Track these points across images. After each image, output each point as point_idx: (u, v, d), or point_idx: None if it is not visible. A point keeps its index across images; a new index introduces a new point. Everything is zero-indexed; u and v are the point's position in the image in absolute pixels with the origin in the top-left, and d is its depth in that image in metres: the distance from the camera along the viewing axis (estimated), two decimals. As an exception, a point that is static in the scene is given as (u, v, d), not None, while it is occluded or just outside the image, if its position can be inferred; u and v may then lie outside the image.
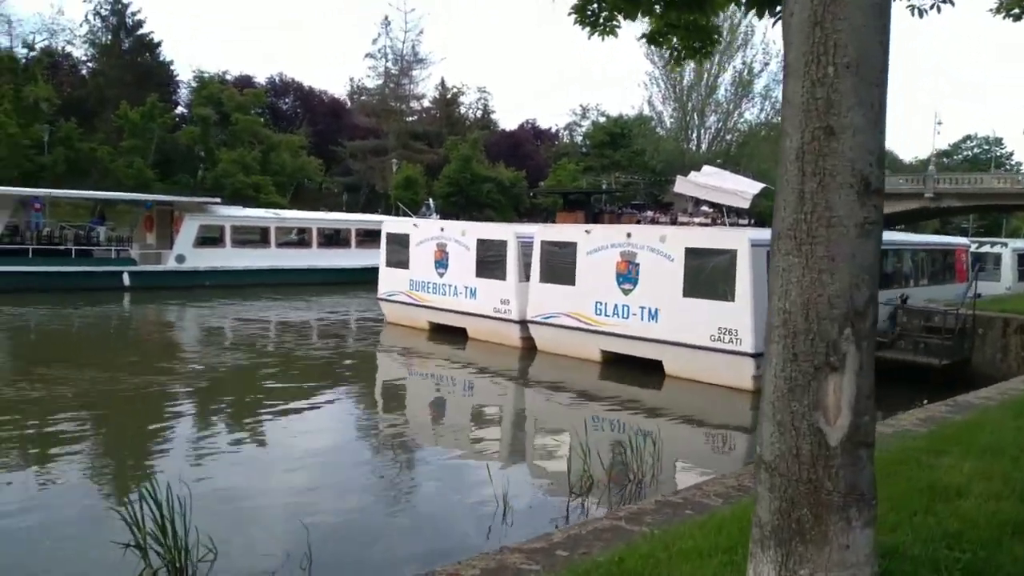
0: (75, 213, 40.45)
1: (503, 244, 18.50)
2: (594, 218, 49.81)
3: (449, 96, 70.49)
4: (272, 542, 7.15)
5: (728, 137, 69.54)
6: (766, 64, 67.02)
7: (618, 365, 16.41)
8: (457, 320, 19.68)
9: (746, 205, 37.24)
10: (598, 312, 16.52)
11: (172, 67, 56.67)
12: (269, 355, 17.80)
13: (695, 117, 69.45)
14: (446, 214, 49.76)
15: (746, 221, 59.97)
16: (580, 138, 76.50)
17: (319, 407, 13.24)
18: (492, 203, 52.16)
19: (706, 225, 47.20)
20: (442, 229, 20.08)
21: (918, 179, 67.95)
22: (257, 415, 12.23)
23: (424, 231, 20.51)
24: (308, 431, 11.57)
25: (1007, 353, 15.91)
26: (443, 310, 19.94)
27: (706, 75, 67.96)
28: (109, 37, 49.64)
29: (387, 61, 65.69)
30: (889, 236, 21.29)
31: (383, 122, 62.07)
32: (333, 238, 33.93)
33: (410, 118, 71.70)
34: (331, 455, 10.31)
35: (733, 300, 14.37)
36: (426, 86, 68.54)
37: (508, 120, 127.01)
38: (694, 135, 69.49)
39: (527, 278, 17.94)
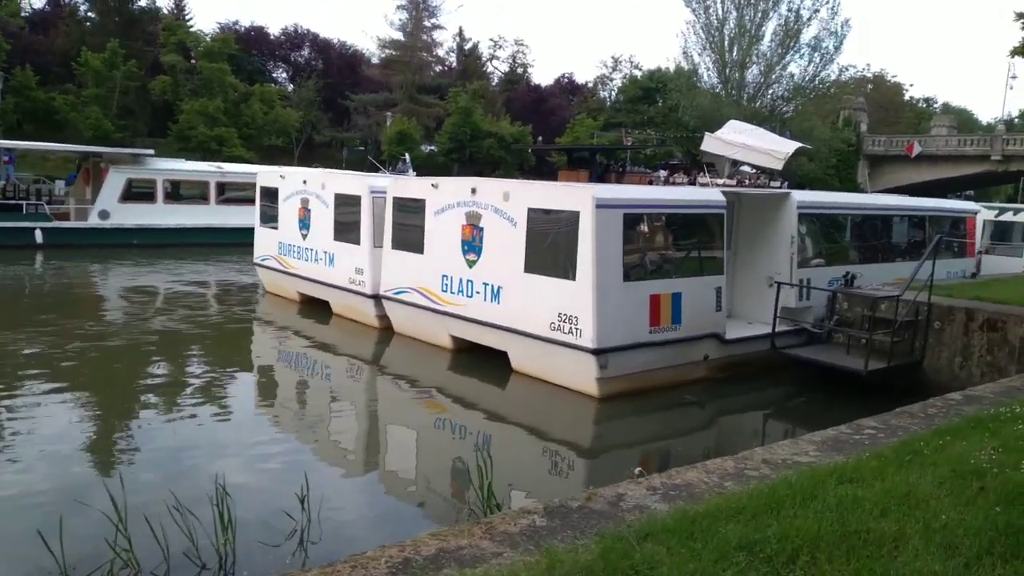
0: (64, 167, 38.98)
1: (357, 201, 15.25)
2: (599, 177, 45.84)
3: (468, 47, 66.50)
4: None
5: (770, 92, 63.77)
6: (816, 11, 60.91)
7: (472, 354, 13.13)
8: (320, 292, 16.62)
9: (779, 166, 33.44)
10: (444, 288, 13.20)
11: (172, 14, 54.24)
12: (118, 329, 14.96)
13: (735, 71, 63.87)
14: (445, 172, 46.49)
15: (779, 183, 55.01)
16: (612, 92, 71.53)
17: (134, 398, 10.59)
18: (494, 160, 48.39)
19: (730, 187, 43.09)
20: (304, 181, 16.89)
21: (984, 140, 61.14)
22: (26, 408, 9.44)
23: (290, 184, 17.36)
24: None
25: (968, 356, 11.95)
26: (307, 279, 16.88)
27: (748, 23, 62.43)
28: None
29: (403, 11, 62.25)
30: (840, 197, 17.22)
31: (393, 75, 58.81)
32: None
33: (436, 68, 68.21)
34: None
35: (574, 279, 10.86)
36: (443, 36, 64.82)
37: (544, 75, 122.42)
38: (733, 90, 64.01)
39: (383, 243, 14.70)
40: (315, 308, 16.92)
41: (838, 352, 12.48)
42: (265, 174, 19.12)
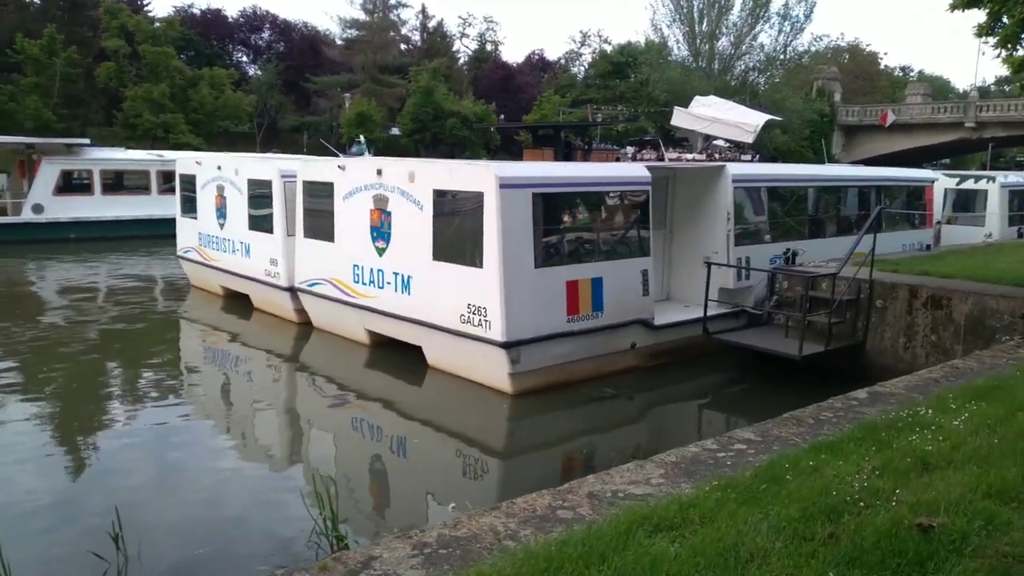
0: (11, 159, 37.57)
1: (268, 186, 14.25)
2: (565, 155, 44.87)
3: (432, 25, 64.97)
4: None
5: (740, 63, 62.69)
6: (785, -22, 59.80)
7: (390, 349, 12.21)
8: (240, 285, 15.65)
9: (750, 139, 32.70)
10: (356, 279, 12.27)
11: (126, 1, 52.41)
12: (34, 328, 13.95)
13: (705, 42, 62.73)
14: (409, 154, 45.25)
15: (749, 156, 54.17)
16: (583, 68, 70.28)
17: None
18: (460, 140, 47.10)
19: (699, 162, 42.39)
20: (219, 167, 15.86)
21: (957, 107, 60.39)
22: None
23: (207, 170, 16.32)
24: None
25: (912, 336, 11.15)
26: (228, 272, 15.89)
27: (718, -8, 61.27)
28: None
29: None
30: (782, 169, 16.40)
31: (356, 55, 57.30)
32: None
33: (402, 47, 66.67)
34: None
35: (481, 266, 9.95)
36: (408, 14, 63.14)
37: (516, 52, 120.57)
38: (704, 62, 62.90)
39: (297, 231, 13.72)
40: (238, 302, 15.96)
41: (776, 335, 11.66)
42: (183, 161, 18.06)
